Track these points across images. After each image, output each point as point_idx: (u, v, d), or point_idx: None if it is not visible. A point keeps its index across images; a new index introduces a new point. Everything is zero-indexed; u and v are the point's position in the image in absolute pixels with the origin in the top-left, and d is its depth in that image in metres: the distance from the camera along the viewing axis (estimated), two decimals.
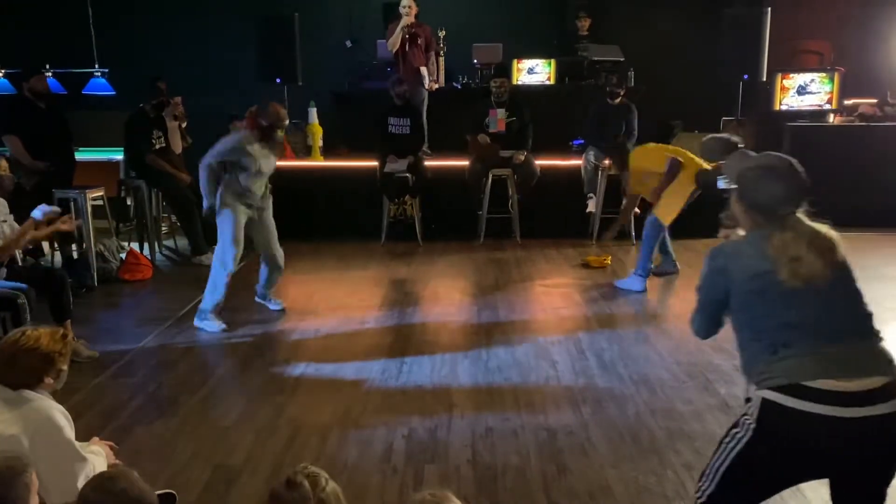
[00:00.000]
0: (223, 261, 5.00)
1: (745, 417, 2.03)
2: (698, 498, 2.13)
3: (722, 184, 2.31)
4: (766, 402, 1.96)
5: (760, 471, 2.01)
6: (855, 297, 2.08)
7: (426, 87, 7.85)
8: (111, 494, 1.76)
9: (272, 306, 5.44)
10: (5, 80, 8.66)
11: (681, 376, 4.13)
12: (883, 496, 2.07)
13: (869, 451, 1.94)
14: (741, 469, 2.03)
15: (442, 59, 8.56)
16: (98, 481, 1.84)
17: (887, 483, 2.05)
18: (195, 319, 5.09)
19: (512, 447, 3.37)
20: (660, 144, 6.28)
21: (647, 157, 6.00)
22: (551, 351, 4.57)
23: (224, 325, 5.03)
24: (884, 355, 2.01)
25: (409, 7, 7.60)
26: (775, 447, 1.97)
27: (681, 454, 3.27)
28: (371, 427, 3.58)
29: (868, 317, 2.08)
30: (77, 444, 2.37)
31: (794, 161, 2.15)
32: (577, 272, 6.47)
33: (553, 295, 5.84)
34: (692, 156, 5.90)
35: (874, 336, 2.05)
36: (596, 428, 3.55)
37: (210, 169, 4.88)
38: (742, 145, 2.50)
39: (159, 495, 2.12)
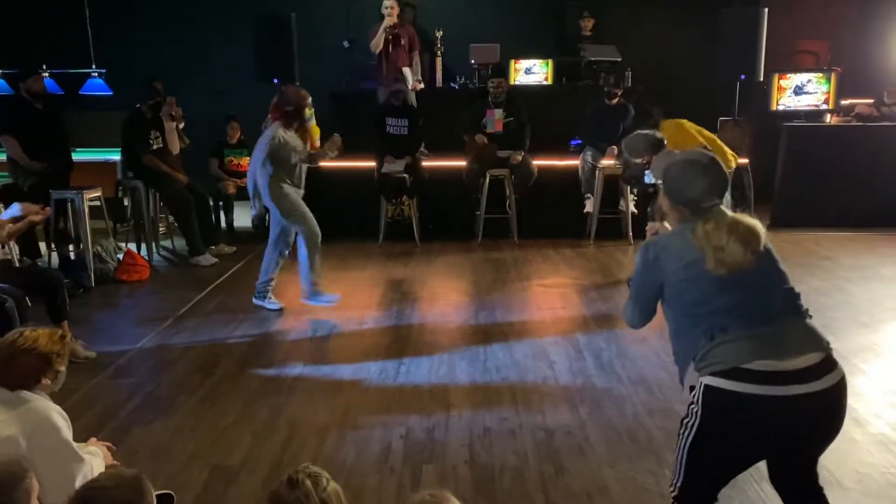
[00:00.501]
0: (313, 239, 5.20)
1: (692, 406, 2.10)
2: (671, 492, 2.21)
3: (649, 178, 2.37)
4: (708, 388, 2.04)
5: (715, 454, 2.09)
6: (781, 279, 2.16)
7: (410, 87, 7.86)
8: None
9: (270, 305, 5.44)
10: (2, 81, 8.65)
11: (678, 376, 4.13)
12: (815, 464, 2.22)
13: (808, 426, 2.04)
14: (699, 456, 2.10)
15: (439, 59, 8.56)
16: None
17: (821, 453, 2.17)
18: (309, 300, 5.35)
19: (510, 447, 3.37)
20: (695, 126, 6.08)
21: (681, 134, 5.82)
22: (549, 351, 4.58)
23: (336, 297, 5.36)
24: (815, 333, 2.10)
25: (391, 8, 7.63)
26: (722, 430, 2.05)
27: None
28: (369, 427, 3.58)
29: (797, 296, 2.15)
30: (75, 444, 2.37)
31: (715, 157, 2.26)
32: (574, 272, 6.47)
33: (551, 295, 5.85)
34: (722, 144, 5.82)
35: (803, 314, 2.13)
36: (594, 428, 3.55)
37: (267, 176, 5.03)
38: (666, 142, 2.53)
39: (157, 496, 2.12)
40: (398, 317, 5.28)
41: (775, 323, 2.06)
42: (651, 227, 2.47)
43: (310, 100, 5.19)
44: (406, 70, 7.79)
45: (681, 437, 2.13)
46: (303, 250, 5.26)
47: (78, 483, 2.28)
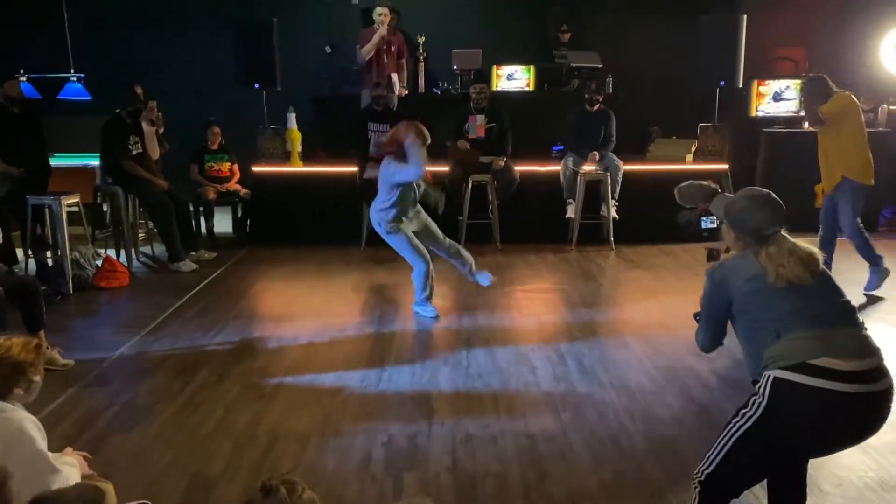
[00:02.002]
0: (418, 270, 5.27)
1: (755, 397, 2.23)
2: (697, 477, 2.32)
3: (706, 224, 2.57)
4: (776, 381, 2.17)
5: (763, 445, 2.23)
6: (839, 292, 2.35)
7: (397, 93, 7.88)
8: None
9: (484, 280, 5.51)
10: None
11: (660, 381, 4.15)
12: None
13: (863, 423, 2.21)
14: (745, 447, 2.23)
15: (422, 65, 8.57)
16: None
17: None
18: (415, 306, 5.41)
19: (492, 454, 3.36)
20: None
21: (855, 108, 5.82)
22: (531, 356, 4.58)
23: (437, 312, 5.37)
24: (870, 341, 2.27)
25: (384, 15, 7.64)
26: (783, 422, 2.18)
27: (661, 459, 3.29)
28: (350, 435, 3.55)
29: (853, 308, 2.33)
30: (50, 455, 2.34)
31: (770, 191, 2.47)
32: (557, 277, 6.48)
33: (533, 300, 5.85)
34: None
35: (860, 324, 2.30)
36: (576, 433, 3.55)
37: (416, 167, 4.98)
38: (720, 190, 2.70)
39: None
40: (380, 323, 5.25)
41: (837, 326, 2.24)
42: (709, 266, 2.65)
43: (427, 138, 5.13)
44: (394, 76, 7.80)
45: (732, 425, 2.25)
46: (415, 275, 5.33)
47: None
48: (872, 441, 3.42)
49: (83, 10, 8.84)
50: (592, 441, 3.47)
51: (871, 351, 2.22)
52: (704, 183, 2.86)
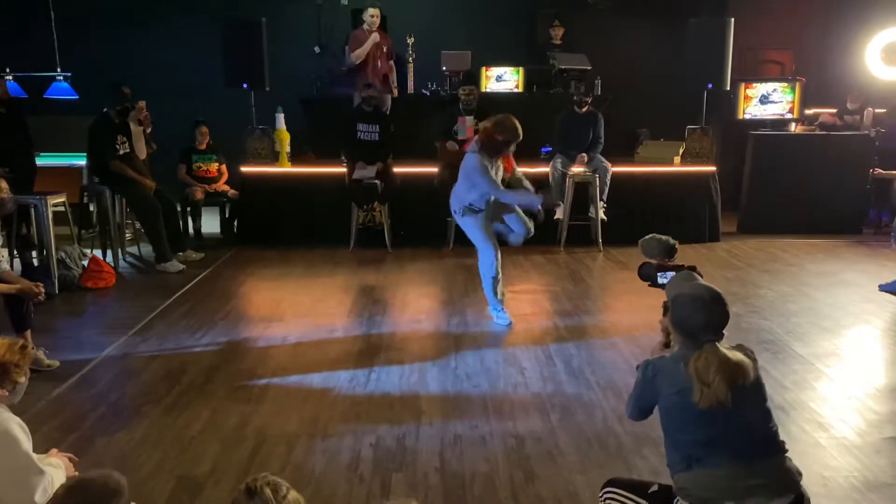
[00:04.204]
0: (485, 259, 5.15)
1: None
2: (601, 498, 2.40)
3: (662, 279, 2.58)
4: None
5: None
6: (762, 417, 2.24)
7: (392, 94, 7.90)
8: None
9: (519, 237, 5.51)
10: None
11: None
12: None
13: None
14: None
15: (411, 66, 8.57)
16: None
17: None
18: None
19: (480, 454, 3.37)
20: None
21: None
22: (520, 357, 4.59)
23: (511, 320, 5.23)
24: (788, 471, 2.18)
25: (376, 17, 7.66)
26: None
27: (647, 459, 3.30)
28: (338, 436, 3.55)
29: (775, 434, 2.24)
30: (35, 456, 2.32)
31: (721, 294, 2.32)
32: (545, 278, 6.49)
33: (521, 301, 5.86)
34: None
35: (780, 452, 2.22)
36: (564, 434, 3.56)
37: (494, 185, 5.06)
38: (676, 248, 2.78)
39: None
40: (369, 324, 5.25)
41: (753, 460, 2.16)
42: (655, 347, 2.62)
43: (520, 138, 5.17)
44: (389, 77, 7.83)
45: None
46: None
47: (38, 496, 2.23)
48: (857, 442, 3.46)
49: (70, 8, 8.78)
50: (580, 442, 3.48)
51: (788, 486, 2.15)
52: (663, 238, 2.90)
